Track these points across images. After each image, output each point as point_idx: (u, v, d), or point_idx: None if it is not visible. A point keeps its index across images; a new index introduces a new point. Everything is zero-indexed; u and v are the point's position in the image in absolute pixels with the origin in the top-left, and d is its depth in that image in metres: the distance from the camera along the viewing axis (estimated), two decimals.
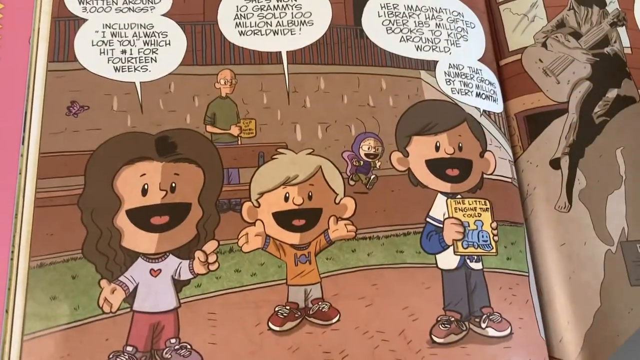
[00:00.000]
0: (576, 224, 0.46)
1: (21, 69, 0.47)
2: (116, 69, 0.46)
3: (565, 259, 0.45)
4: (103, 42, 0.47)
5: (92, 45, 0.47)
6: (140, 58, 0.47)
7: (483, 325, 0.42)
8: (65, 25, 0.47)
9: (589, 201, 0.47)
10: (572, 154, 0.48)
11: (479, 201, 0.45)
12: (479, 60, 0.51)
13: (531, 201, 0.48)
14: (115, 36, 0.47)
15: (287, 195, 0.44)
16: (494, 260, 0.44)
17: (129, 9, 0.48)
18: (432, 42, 0.50)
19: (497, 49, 0.53)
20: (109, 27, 0.48)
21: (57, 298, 0.40)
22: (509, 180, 0.47)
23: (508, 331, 0.42)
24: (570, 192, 0.47)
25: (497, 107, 0.50)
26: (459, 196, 0.45)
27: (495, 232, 0.45)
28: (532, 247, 0.47)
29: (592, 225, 0.46)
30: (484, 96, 0.49)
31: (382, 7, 0.51)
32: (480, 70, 0.50)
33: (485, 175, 0.46)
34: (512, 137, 0.50)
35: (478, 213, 0.45)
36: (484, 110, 0.49)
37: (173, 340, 0.40)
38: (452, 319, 0.42)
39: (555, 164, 0.48)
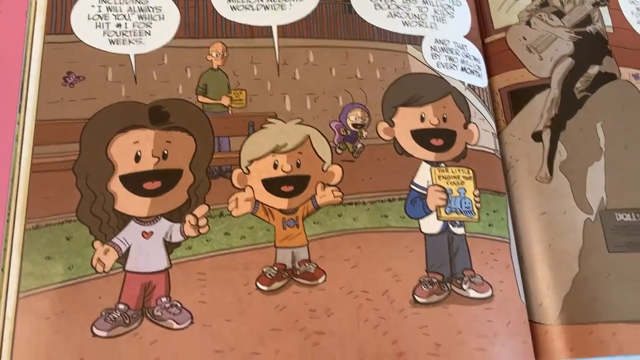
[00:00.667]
0: (557, 194, 0.48)
1: (18, 41, 0.48)
2: (111, 42, 0.48)
3: (545, 227, 0.47)
4: (99, 16, 0.48)
5: (89, 19, 0.48)
6: (135, 32, 0.48)
7: (465, 287, 0.43)
8: None
9: (569, 172, 0.48)
10: (554, 127, 0.50)
11: (463, 170, 0.47)
12: (464, 36, 0.52)
13: (514, 173, 0.49)
14: (111, 10, 0.49)
15: (276, 162, 0.45)
16: (476, 226, 0.45)
17: None
18: (419, 18, 0.52)
19: (482, 27, 0.55)
20: (105, 2, 0.49)
21: (51, 258, 0.41)
22: (492, 151, 0.49)
23: (489, 293, 0.43)
24: (551, 164, 0.49)
25: (482, 82, 0.51)
26: (442, 165, 0.47)
27: (477, 199, 0.46)
28: (514, 216, 0.48)
29: (572, 195, 0.48)
30: (468, 71, 0.51)
31: None
32: (466, 46, 0.52)
33: (469, 146, 0.48)
34: (495, 112, 0.51)
35: (461, 181, 0.46)
36: (469, 85, 0.50)
37: (164, 299, 0.41)
38: (435, 280, 0.43)
39: (537, 136, 0.50)
